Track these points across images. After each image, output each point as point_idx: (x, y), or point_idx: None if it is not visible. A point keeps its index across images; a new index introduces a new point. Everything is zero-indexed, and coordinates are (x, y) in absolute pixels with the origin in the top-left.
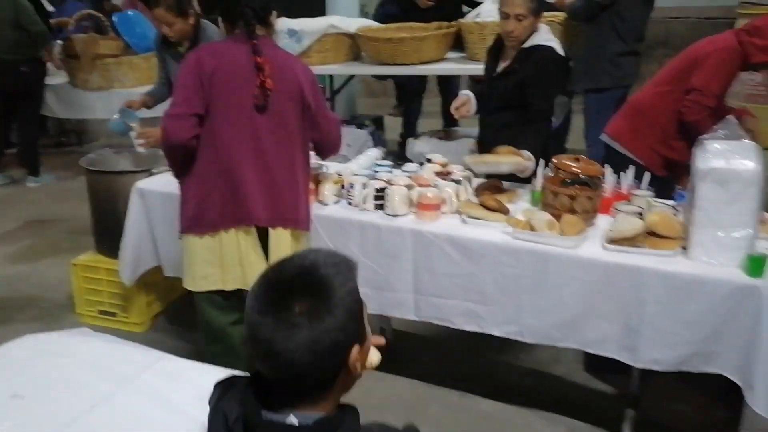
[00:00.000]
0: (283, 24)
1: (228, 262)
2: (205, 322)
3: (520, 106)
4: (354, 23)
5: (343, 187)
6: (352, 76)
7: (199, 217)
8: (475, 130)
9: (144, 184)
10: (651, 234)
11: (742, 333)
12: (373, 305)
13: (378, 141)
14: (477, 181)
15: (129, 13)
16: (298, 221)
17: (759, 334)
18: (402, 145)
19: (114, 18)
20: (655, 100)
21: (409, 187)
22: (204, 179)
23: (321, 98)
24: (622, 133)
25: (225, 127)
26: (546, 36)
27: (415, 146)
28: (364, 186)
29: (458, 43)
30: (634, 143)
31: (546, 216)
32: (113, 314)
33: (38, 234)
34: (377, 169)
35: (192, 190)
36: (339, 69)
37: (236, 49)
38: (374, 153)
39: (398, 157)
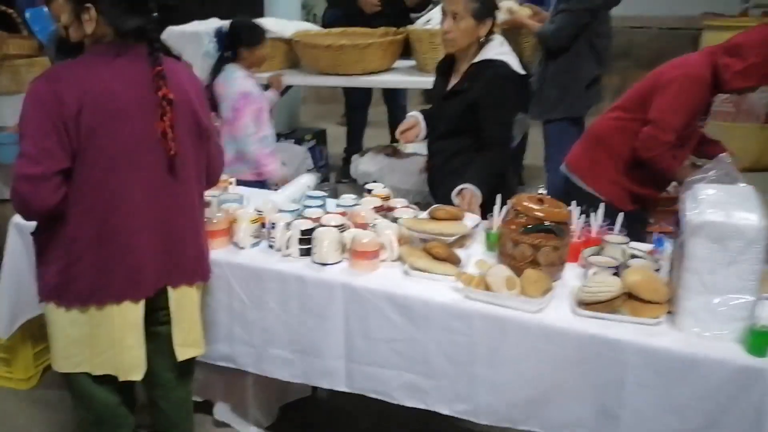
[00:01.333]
0: (208, 25)
1: (99, 343)
2: (83, 400)
3: (471, 131)
4: (291, 27)
5: (263, 225)
6: (289, 86)
7: (63, 288)
8: (424, 146)
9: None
10: (630, 296)
11: (744, 425)
12: (296, 372)
13: (318, 158)
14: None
15: (44, 8)
16: (205, 273)
17: (763, 427)
18: (346, 161)
19: (27, 13)
20: (614, 129)
21: (342, 227)
22: (71, 244)
23: (211, 118)
24: (581, 166)
25: (104, 179)
26: (499, 49)
27: (360, 165)
28: (288, 226)
29: (407, 51)
30: (594, 177)
31: (504, 271)
32: None
33: None
34: (307, 202)
35: (54, 253)
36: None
37: (120, 67)
38: (306, 180)
39: (342, 174)
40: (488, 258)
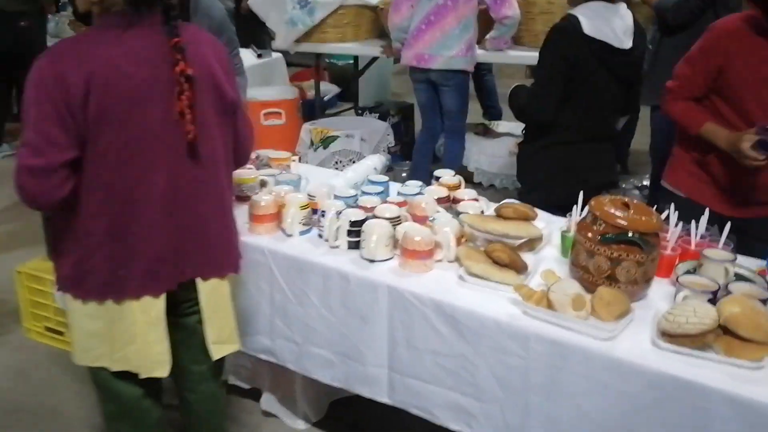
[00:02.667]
0: None
1: (118, 338)
2: (105, 392)
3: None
4: None
5: (315, 212)
6: (375, 57)
7: (78, 280)
8: (520, 126)
9: None
10: (727, 331)
11: None
12: (337, 375)
13: (402, 134)
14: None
15: None
16: (235, 264)
17: None
18: None
19: None
20: None
21: (397, 220)
22: (85, 237)
23: (239, 91)
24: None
25: (117, 167)
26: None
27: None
28: (338, 216)
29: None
30: (671, 170)
31: (571, 287)
32: (60, 333)
33: (21, 218)
34: (367, 188)
35: (68, 245)
36: (356, 48)
37: (132, 40)
38: (372, 162)
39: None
40: (560, 265)
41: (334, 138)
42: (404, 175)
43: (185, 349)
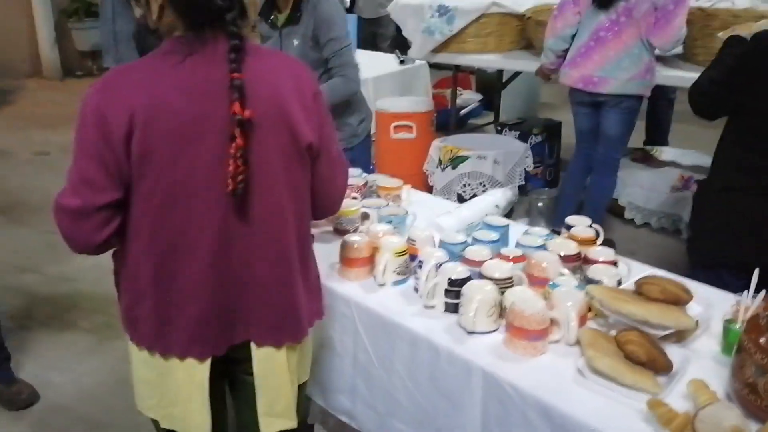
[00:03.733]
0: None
1: (165, 394)
2: None
3: None
4: (528, 0)
5: (413, 258)
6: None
7: (133, 323)
8: (689, 154)
9: None
10: None
11: None
12: None
13: (547, 156)
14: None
15: None
16: (296, 333)
17: None
18: None
19: None
20: None
21: (507, 282)
22: (133, 281)
23: (329, 130)
24: None
25: (162, 213)
26: None
27: None
28: (437, 269)
29: None
30: None
31: (730, 417)
32: None
33: None
34: (479, 234)
35: (123, 284)
36: (498, 61)
37: (190, 70)
38: (495, 198)
39: None
40: (719, 368)
41: (464, 158)
42: (540, 204)
43: (248, 409)
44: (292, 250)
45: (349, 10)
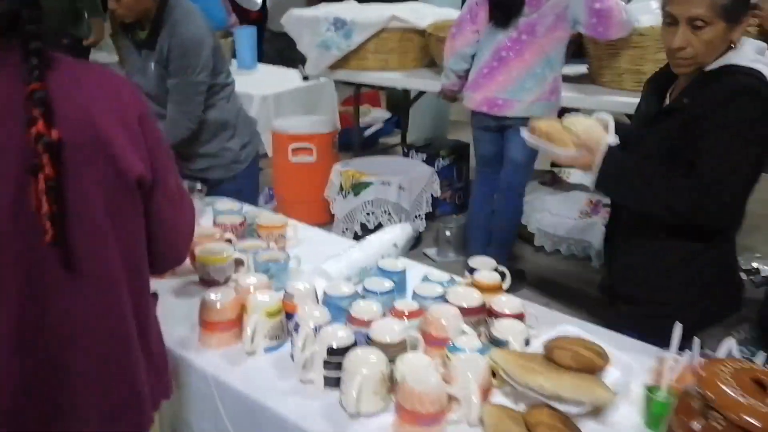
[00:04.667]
0: (326, 12)
1: None
2: None
3: (685, 167)
4: (430, 15)
5: (290, 317)
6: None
7: None
8: None
9: None
10: None
11: None
12: None
13: (455, 180)
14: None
15: None
16: (140, 420)
17: None
18: None
19: None
20: None
21: (397, 348)
22: None
23: (164, 158)
24: None
25: None
26: (753, 57)
27: None
28: (315, 334)
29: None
30: None
31: None
32: None
33: None
34: (370, 283)
35: None
36: (400, 80)
37: None
38: (393, 236)
39: None
40: None
41: (366, 185)
42: (448, 233)
43: None
44: (125, 317)
45: (261, 21)
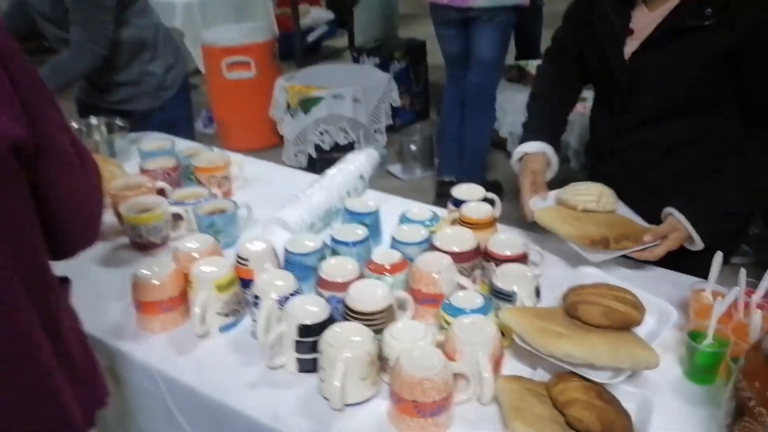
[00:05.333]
0: None
1: None
2: None
3: (715, 105)
4: None
5: (246, 284)
6: None
7: None
8: None
9: None
10: None
11: None
12: None
13: (410, 84)
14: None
15: None
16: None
17: None
18: None
19: None
20: None
21: (383, 318)
22: None
23: (49, 113)
24: None
25: None
26: None
27: None
28: (280, 307)
29: None
30: None
31: None
32: None
33: None
34: (339, 232)
35: None
36: None
37: None
38: (358, 166)
39: None
40: (691, 412)
41: (316, 100)
42: (413, 147)
43: None
44: (23, 319)
45: None
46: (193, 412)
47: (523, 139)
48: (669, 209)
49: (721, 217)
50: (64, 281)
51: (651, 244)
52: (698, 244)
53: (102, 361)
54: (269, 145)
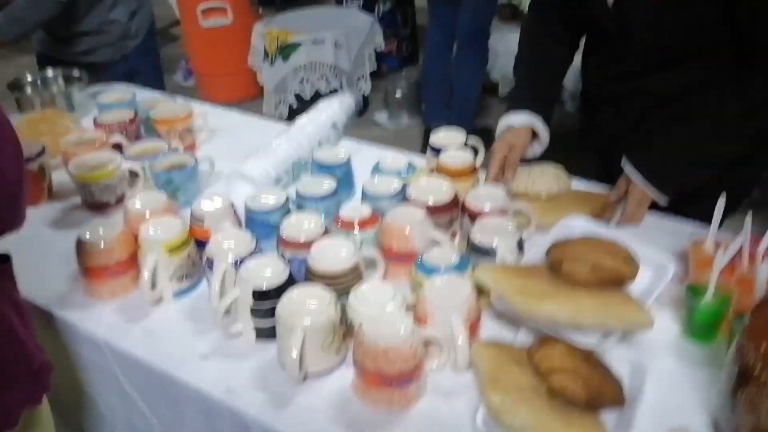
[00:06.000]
0: None
1: None
2: None
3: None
4: None
5: (202, 245)
6: None
7: None
8: None
9: None
10: None
11: None
12: None
13: (396, 28)
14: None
15: None
16: None
17: None
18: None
19: None
20: None
21: (349, 280)
22: None
23: None
24: None
25: None
26: None
27: None
28: (236, 269)
29: None
30: None
31: None
32: None
33: None
34: (305, 187)
35: None
36: None
37: None
38: (330, 113)
39: None
40: (688, 375)
41: (295, 46)
42: (399, 95)
43: None
44: None
45: None
46: (144, 385)
47: (508, 109)
48: (623, 160)
49: (685, 168)
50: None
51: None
52: (660, 200)
53: (49, 333)
54: (250, 96)
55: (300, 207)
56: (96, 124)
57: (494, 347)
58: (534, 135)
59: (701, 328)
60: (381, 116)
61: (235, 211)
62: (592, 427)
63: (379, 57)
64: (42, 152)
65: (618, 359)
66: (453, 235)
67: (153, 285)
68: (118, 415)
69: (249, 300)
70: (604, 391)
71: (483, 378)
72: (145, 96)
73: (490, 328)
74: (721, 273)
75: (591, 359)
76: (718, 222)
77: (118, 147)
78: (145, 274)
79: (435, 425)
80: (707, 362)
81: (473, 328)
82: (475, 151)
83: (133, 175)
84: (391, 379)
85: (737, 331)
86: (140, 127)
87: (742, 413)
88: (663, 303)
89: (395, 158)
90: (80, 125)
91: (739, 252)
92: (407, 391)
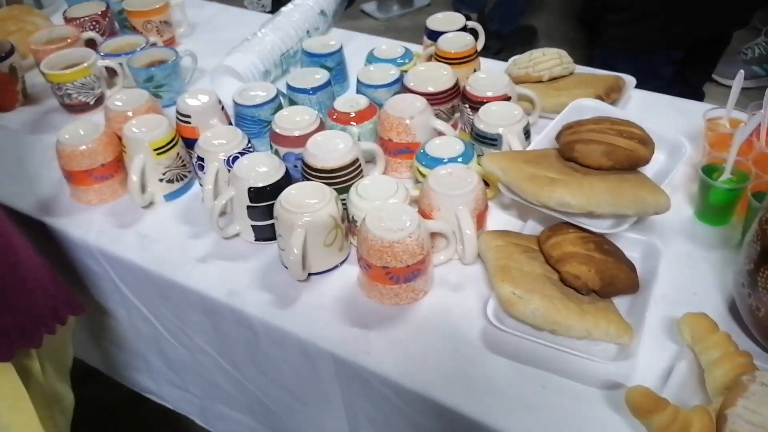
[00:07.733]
0: None
1: None
2: None
3: None
4: None
5: (190, 143)
6: None
7: None
8: None
9: None
10: None
11: None
12: None
13: None
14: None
15: None
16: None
17: None
18: None
19: None
20: None
21: (350, 173)
22: None
23: None
24: None
25: None
26: None
27: None
28: (229, 167)
29: None
30: None
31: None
32: None
33: None
34: (295, 78)
35: None
36: None
37: None
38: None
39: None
40: (702, 256)
41: None
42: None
43: None
44: None
45: None
46: (142, 289)
47: None
48: None
49: None
50: None
51: None
52: None
53: (38, 238)
54: None
55: (292, 101)
56: (66, 19)
57: (503, 237)
58: None
59: (715, 209)
60: (370, 6)
61: (223, 108)
62: (606, 314)
63: None
64: (11, 51)
65: (630, 243)
66: (455, 126)
67: (142, 188)
68: (122, 318)
69: (245, 199)
70: (617, 277)
71: (492, 269)
72: None
73: (498, 219)
74: (738, 152)
75: (603, 245)
76: (736, 98)
77: (91, 44)
78: (133, 177)
79: (444, 319)
80: (721, 244)
81: (480, 219)
82: (476, 35)
83: (112, 73)
84: (398, 274)
85: (759, 210)
86: (113, 21)
87: (763, 292)
88: (675, 186)
89: (390, 46)
90: (50, 22)
91: (757, 128)
92: (415, 286)
